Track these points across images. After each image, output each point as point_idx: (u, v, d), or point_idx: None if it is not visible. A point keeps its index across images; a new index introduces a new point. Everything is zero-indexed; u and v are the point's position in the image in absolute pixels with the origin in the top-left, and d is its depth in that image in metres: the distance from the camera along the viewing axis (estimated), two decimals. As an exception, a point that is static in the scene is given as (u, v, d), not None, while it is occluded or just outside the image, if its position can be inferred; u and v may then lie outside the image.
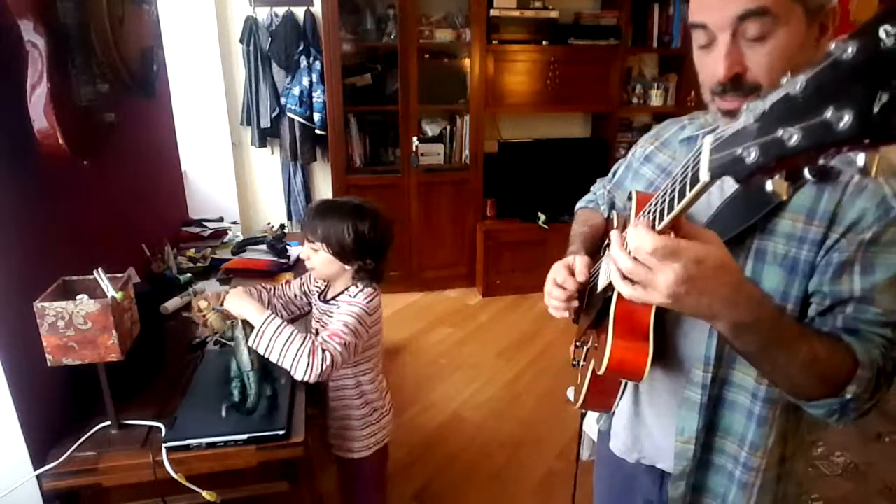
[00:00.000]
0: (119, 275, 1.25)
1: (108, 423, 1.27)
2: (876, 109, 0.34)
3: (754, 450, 0.85)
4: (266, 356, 1.23)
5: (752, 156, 0.43)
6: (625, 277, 0.63)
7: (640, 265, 0.60)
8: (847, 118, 0.35)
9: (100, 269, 1.21)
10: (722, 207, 0.81)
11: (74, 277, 1.23)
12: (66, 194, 1.47)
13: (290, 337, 1.22)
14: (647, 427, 0.99)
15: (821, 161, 0.40)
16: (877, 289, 0.72)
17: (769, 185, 0.44)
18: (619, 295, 0.80)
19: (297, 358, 1.20)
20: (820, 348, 0.70)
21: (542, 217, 3.80)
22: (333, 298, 1.42)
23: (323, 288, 1.49)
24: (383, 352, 1.52)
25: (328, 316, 1.41)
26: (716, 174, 0.49)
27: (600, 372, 0.82)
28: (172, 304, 1.84)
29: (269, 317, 1.24)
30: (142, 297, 1.34)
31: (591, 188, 1.25)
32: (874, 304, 0.72)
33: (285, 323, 1.25)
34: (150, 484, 1.20)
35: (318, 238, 1.35)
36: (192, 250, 2.27)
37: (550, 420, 2.54)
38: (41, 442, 1.23)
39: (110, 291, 1.18)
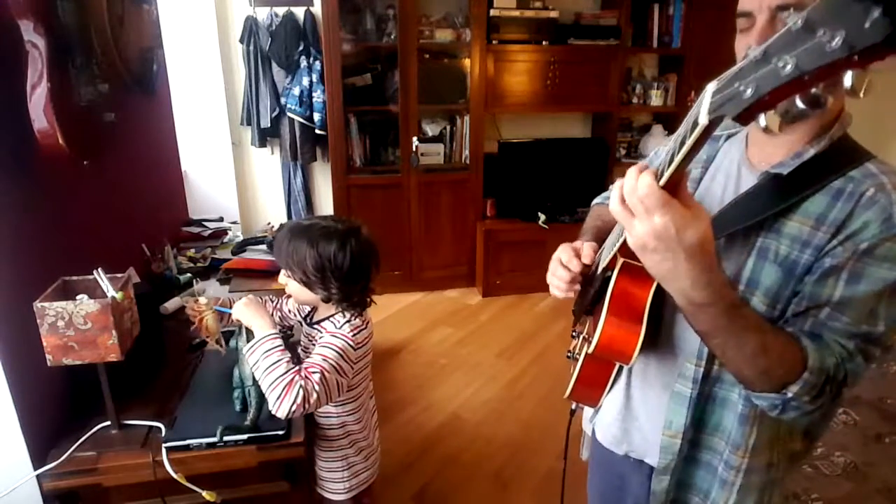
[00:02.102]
0: (119, 275, 1.25)
1: (108, 423, 1.27)
2: (867, 25, 0.35)
3: (735, 448, 0.86)
4: (253, 371, 1.18)
5: (748, 91, 0.44)
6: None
7: (629, 205, 0.61)
8: (838, 37, 0.36)
9: (100, 269, 1.21)
10: (734, 203, 0.82)
11: (74, 277, 1.23)
12: (66, 194, 1.47)
13: (275, 362, 1.14)
14: (638, 420, 1.00)
15: (812, 90, 0.41)
16: (855, 299, 0.72)
17: (762, 120, 0.45)
18: (619, 274, 0.82)
19: (272, 385, 1.13)
20: (773, 344, 0.71)
21: (542, 217, 3.80)
22: (318, 323, 1.34)
23: (310, 309, 1.42)
24: (377, 365, 1.44)
25: (312, 342, 1.33)
26: (714, 115, 0.49)
27: (590, 350, 0.83)
28: (172, 304, 1.84)
29: (269, 335, 1.18)
30: (142, 297, 1.34)
31: (611, 186, 1.26)
32: (846, 314, 0.73)
33: (281, 347, 1.17)
34: (150, 484, 1.20)
35: (283, 265, 1.27)
36: (192, 250, 2.28)
37: (551, 420, 2.54)
38: (41, 442, 1.23)
39: (110, 291, 1.17)
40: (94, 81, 1.40)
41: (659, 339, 0.90)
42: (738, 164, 0.86)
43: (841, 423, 2.52)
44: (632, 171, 0.61)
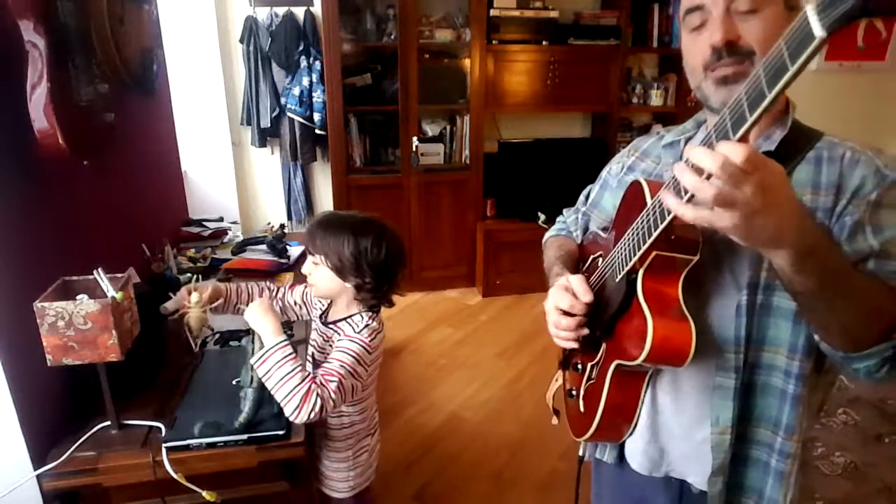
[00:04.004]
0: (119, 275, 1.25)
1: (108, 423, 1.27)
2: None
3: (789, 434, 0.83)
4: (264, 381, 1.17)
5: None
6: (689, 201, 0.59)
7: (712, 183, 0.56)
8: None
9: (100, 269, 1.21)
10: None
11: (74, 277, 1.22)
12: (66, 194, 1.47)
13: (290, 371, 1.14)
14: (675, 438, 0.94)
15: None
16: (892, 243, 0.74)
17: None
18: (645, 275, 0.78)
19: (289, 396, 1.12)
20: (867, 282, 0.71)
21: (542, 217, 3.80)
22: (335, 322, 1.34)
23: (325, 307, 1.41)
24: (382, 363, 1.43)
25: (328, 343, 1.34)
26: (837, 24, 0.45)
27: (640, 359, 0.77)
28: (172, 304, 1.83)
29: (278, 343, 1.16)
30: (142, 297, 1.34)
31: (558, 219, 1.25)
32: (893, 258, 0.74)
33: (293, 356, 1.16)
34: (150, 484, 1.20)
35: (317, 250, 1.28)
36: (192, 250, 2.27)
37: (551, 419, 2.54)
38: (41, 442, 1.23)
39: (110, 291, 1.17)
40: (94, 81, 1.40)
41: None
42: None
43: (841, 423, 2.52)
44: (680, 168, 0.56)
